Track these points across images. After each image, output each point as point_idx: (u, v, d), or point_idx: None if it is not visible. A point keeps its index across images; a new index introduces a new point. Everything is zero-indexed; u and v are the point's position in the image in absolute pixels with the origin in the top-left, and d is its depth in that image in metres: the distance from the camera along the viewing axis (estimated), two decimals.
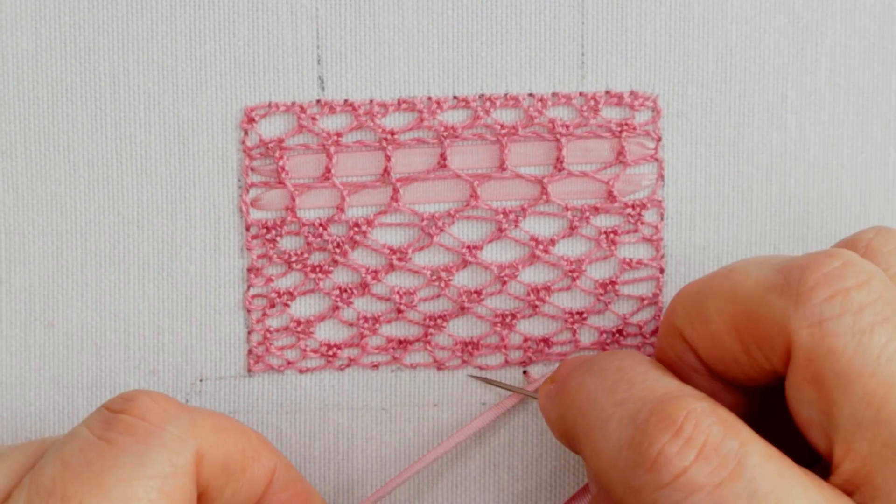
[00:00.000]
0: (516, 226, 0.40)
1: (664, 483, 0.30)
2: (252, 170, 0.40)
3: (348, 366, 0.41)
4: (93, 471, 0.31)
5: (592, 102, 0.40)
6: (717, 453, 0.30)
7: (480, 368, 0.41)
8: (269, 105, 0.40)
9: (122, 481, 0.31)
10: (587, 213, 0.40)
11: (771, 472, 0.30)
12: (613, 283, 0.40)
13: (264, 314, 0.40)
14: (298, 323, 0.40)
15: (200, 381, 0.40)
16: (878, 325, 0.30)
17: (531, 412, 0.41)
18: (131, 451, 0.32)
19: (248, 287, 0.40)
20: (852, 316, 0.30)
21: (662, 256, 0.41)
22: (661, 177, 0.40)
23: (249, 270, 0.40)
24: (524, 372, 0.41)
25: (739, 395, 0.35)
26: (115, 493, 0.31)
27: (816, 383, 0.30)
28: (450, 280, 0.40)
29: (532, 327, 0.41)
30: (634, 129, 0.40)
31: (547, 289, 0.40)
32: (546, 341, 0.41)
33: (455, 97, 0.40)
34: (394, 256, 0.40)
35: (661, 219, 0.40)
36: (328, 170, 0.40)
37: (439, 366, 0.41)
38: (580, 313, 0.41)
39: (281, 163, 0.40)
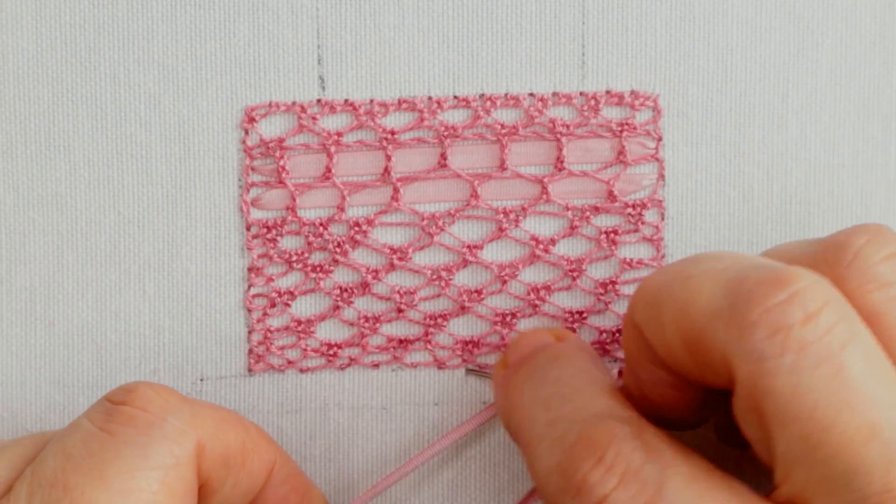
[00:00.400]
0: (517, 225, 0.40)
1: None
2: (252, 169, 0.40)
3: (349, 365, 0.41)
4: (94, 462, 0.31)
5: (593, 102, 0.40)
6: (637, 479, 0.31)
7: (481, 367, 0.41)
8: (270, 105, 0.40)
9: (123, 473, 0.31)
10: (587, 213, 0.40)
11: (691, 496, 0.30)
12: (614, 282, 0.40)
13: (265, 314, 0.40)
14: (299, 322, 0.40)
15: (201, 380, 0.40)
16: (822, 362, 0.29)
17: None
18: (133, 443, 0.32)
19: (249, 286, 0.40)
20: (794, 355, 0.29)
21: (663, 256, 0.41)
22: (661, 176, 0.40)
23: (250, 270, 0.40)
24: None
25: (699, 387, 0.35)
26: (117, 485, 0.31)
27: (757, 415, 0.30)
28: (450, 279, 0.40)
29: (532, 326, 0.41)
30: (635, 128, 0.40)
31: (547, 288, 0.40)
32: None
33: (455, 97, 0.40)
34: (394, 256, 0.40)
35: (662, 219, 0.40)
36: (329, 169, 0.40)
37: (440, 365, 0.41)
38: (580, 313, 0.41)
39: (281, 162, 0.40)
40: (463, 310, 0.40)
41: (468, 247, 0.40)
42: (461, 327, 0.41)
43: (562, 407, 0.34)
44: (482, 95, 0.40)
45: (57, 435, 0.33)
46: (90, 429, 0.32)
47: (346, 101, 0.40)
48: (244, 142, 0.40)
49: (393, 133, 0.40)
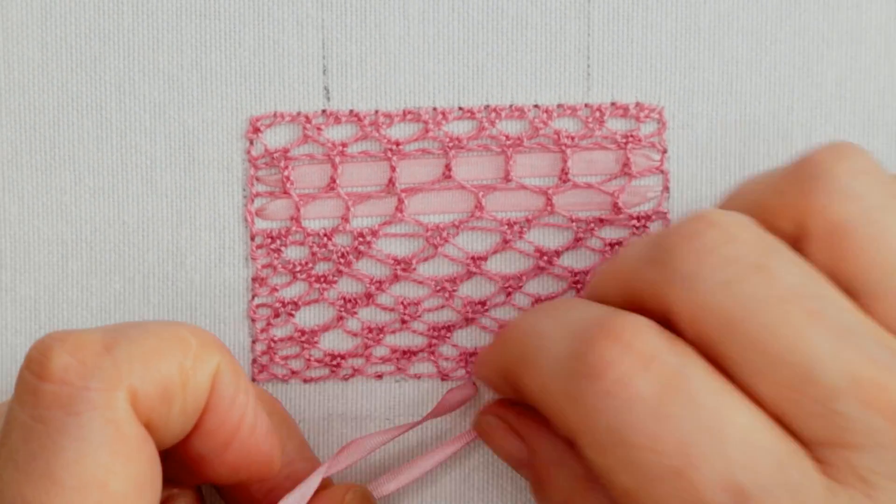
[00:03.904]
0: (521, 237, 0.40)
1: (606, 390, 0.30)
2: (257, 179, 0.40)
3: (353, 376, 0.41)
4: (40, 466, 0.30)
5: (598, 114, 0.40)
6: (661, 365, 0.30)
7: None
8: (275, 115, 0.40)
9: (71, 466, 0.30)
10: (592, 225, 0.40)
11: (713, 388, 0.30)
12: None
13: (269, 324, 0.40)
14: (303, 333, 0.40)
15: None
16: (752, 273, 0.30)
17: None
18: (67, 428, 0.30)
19: (253, 297, 0.40)
20: (722, 270, 0.30)
21: None
22: (666, 189, 0.40)
23: (254, 280, 0.40)
24: None
25: None
26: (71, 481, 0.30)
27: (702, 343, 0.31)
28: (455, 291, 0.40)
29: None
30: (640, 140, 0.40)
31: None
32: None
33: (460, 108, 0.40)
34: (398, 267, 0.40)
35: None
36: (333, 180, 0.40)
37: (444, 376, 0.41)
38: None
39: (286, 173, 0.40)
40: (467, 321, 0.40)
41: (473, 258, 0.40)
42: (466, 339, 0.41)
43: (574, 312, 0.33)
44: (487, 107, 0.40)
45: (3, 428, 0.32)
46: (25, 421, 0.31)
47: (350, 111, 0.40)
48: (249, 152, 0.40)
49: (398, 144, 0.40)
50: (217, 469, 0.34)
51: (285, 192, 0.40)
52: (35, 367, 0.31)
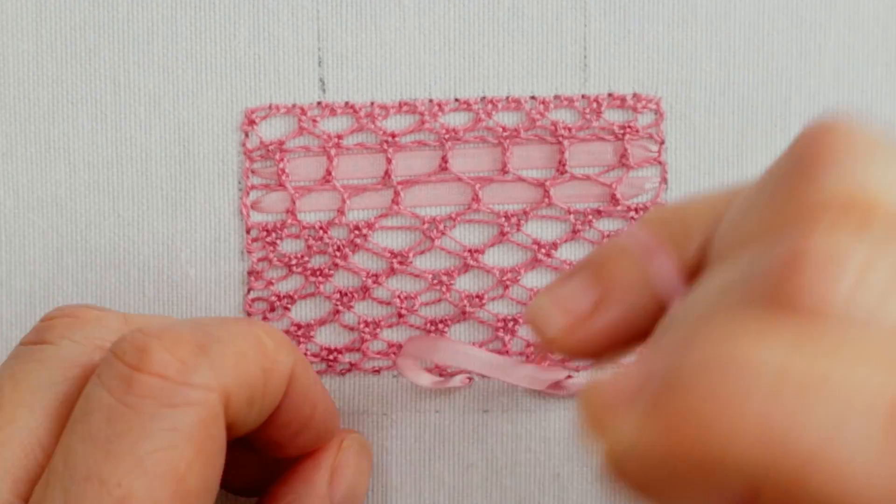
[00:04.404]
0: (518, 229, 0.40)
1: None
2: (252, 172, 0.40)
3: (349, 370, 0.40)
4: (125, 446, 0.30)
5: (595, 105, 0.40)
6: None
7: (482, 377, 0.40)
8: (270, 107, 0.39)
9: (156, 451, 0.30)
10: (590, 217, 0.40)
11: None
12: None
13: (265, 318, 0.40)
14: (299, 327, 0.40)
15: None
16: None
17: (536, 417, 0.41)
18: (158, 416, 0.30)
19: (249, 290, 0.40)
20: None
21: None
22: (664, 180, 0.40)
23: (250, 273, 0.40)
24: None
25: None
26: (156, 469, 0.29)
27: None
28: (451, 284, 0.40)
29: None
30: (637, 131, 0.40)
31: None
32: None
33: (456, 99, 0.40)
34: (395, 260, 0.40)
35: None
36: (329, 172, 0.40)
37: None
38: None
39: (281, 165, 0.39)
40: (464, 315, 0.40)
41: (469, 251, 0.40)
42: (462, 333, 0.40)
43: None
44: (483, 98, 0.40)
45: (77, 410, 0.31)
46: (111, 403, 0.30)
47: (346, 103, 0.39)
48: (244, 144, 0.39)
49: (394, 136, 0.40)
50: (288, 450, 0.36)
51: (281, 185, 0.40)
52: (131, 359, 0.31)
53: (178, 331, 0.32)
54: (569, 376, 0.40)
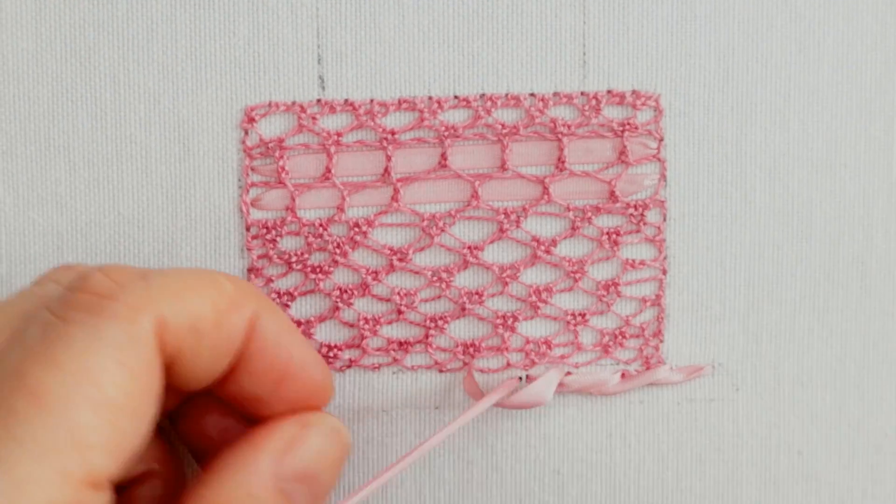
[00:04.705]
0: (517, 226, 0.40)
1: None
2: (252, 169, 0.40)
3: (349, 367, 0.40)
4: (49, 350, 0.31)
5: (594, 102, 0.40)
6: None
7: (482, 371, 0.41)
8: (270, 104, 0.39)
9: (76, 356, 0.30)
10: (589, 214, 0.40)
11: None
12: (615, 283, 0.40)
13: None
14: (298, 324, 0.40)
15: None
16: None
17: (535, 413, 0.41)
18: (85, 325, 0.31)
19: None
20: None
21: (665, 257, 0.40)
22: (663, 177, 0.40)
23: (250, 271, 0.40)
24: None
25: None
26: (70, 367, 0.30)
27: None
28: (450, 281, 0.40)
29: (533, 329, 0.40)
30: (636, 128, 0.40)
31: (548, 290, 0.40)
32: (547, 343, 0.40)
33: (456, 97, 0.40)
34: (394, 257, 0.40)
35: (664, 219, 0.40)
36: (328, 170, 0.40)
37: (440, 368, 0.40)
38: (582, 314, 0.40)
39: (281, 162, 0.39)
40: (463, 311, 0.40)
41: (469, 248, 0.40)
42: (461, 329, 0.40)
43: None
44: (483, 95, 0.40)
45: (20, 327, 0.33)
46: (48, 318, 0.32)
47: (346, 100, 0.40)
48: (244, 142, 0.40)
49: (393, 133, 0.40)
50: (275, 405, 0.35)
51: (280, 182, 0.40)
52: (74, 283, 0.32)
53: (125, 265, 0.33)
54: (568, 373, 0.40)
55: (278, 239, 0.40)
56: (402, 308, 0.40)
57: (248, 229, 0.40)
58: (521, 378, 0.40)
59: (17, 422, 0.29)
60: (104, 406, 0.30)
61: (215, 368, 0.34)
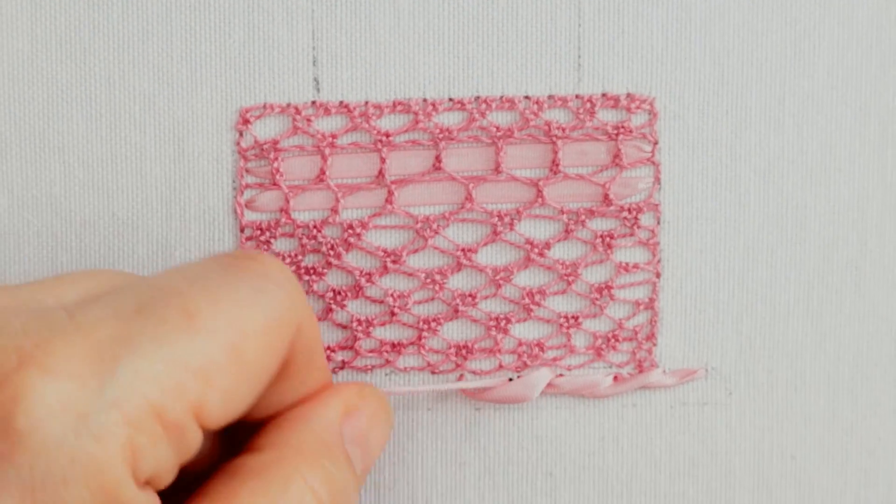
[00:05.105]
0: (511, 229, 0.40)
1: None
2: (247, 171, 0.40)
3: (341, 368, 0.40)
4: (212, 284, 0.31)
5: (589, 105, 0.40)
6: None
7: (474, 374, 0.41)
8: (264, 106, 0.39)
9: (237, 303, 0.30)
10: (583, 217, 0.40)
11: None
12: (609, 286, 0.40)
13: None
14: None
15: None
16: None
17: (527, 416, 0.41)
18: (251, 283, 0.31)
19: None
20: None
21: (659, 260, 0.40)
22: (657, 180, 0.40)
23: None
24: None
25: None
26: (229, 310, 0.30)
27: None
28: (444, 283, 0.40)
29: (526, 331, 0.40)
30: (631, 131, 0.40)
31: (542, 292, 0.40)
32: (540, 345, 0.40)
33: (450, 99, 0.40)
34: (388, 259, 0.40)
35: (658, 222, 0.40)
36: (323, 171, 0.40)
37: (433, 370, 0.40)
38: (575, 317, 0.40)
39: (276, 164, 0.40)
40: (456, 313, 0.40)
41: (462, 250, 0.40)
42: (454, 331, 0.40)
43: None
44: (477, 98, 0.40)
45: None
46: (214, 259, 0.32)
47: (340, 102, 0.40)
48: (238, 143, 0.40)
49: (387, 135, 0.40)
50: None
51: (275, 184, 0.40)
52: (242, 253, 0.33)
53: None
54: (559, 375, 0.40)
55: (272, 240, 0.40)
56: (396, 310, 0.40)
57: (242, 231, 0.40)
58: (510, 379, 0.40)
59: (163, 330, 0.29)
60: (240, 357, 0.30)
61: (287, 402, 0.34)
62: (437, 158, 0.40)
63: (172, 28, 0.39)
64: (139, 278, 0.32)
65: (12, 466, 0.27)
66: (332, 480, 0.33)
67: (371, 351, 0.40)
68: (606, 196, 0.40)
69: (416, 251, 0.40)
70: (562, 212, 0.40)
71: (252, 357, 0.31)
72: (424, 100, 0.40)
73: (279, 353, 0.32)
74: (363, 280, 0.40)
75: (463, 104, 0.40)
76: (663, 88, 0.40)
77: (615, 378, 0.41)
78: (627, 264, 0.40)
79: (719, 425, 0.41)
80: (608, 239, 0.40)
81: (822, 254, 0.40)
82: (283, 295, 0.32)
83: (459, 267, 0.40)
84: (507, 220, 0.40)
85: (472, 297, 0.40)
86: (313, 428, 0.34)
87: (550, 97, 0.40)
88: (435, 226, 0.40)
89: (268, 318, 0.31)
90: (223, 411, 0.30)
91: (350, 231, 0.40)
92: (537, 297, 0.40)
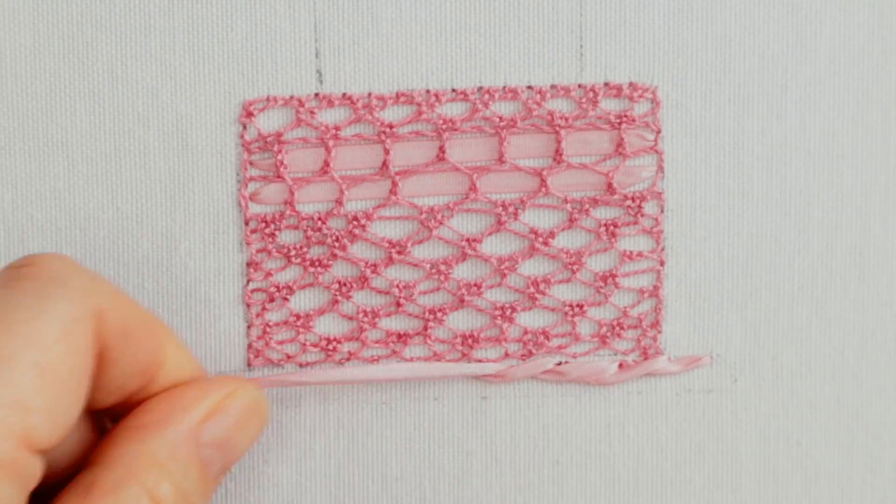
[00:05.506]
0: (515, 218, 0.40)
1: None
2: (251, 164, 0.40)
3: (348, 359, 0.41)
4: None
5: (591, 94, 0.40)
6: None
7: (480, 362, 0.41)
8: (268, 99, 0.39)
9: (25, 321, 0.31)
10: (587, 206, 0.40)
11: None
12: (613, 275, 0.40)
13: (264, 308, 0.40)
14: (298, 317, 0.40)
15: None
16: None
17: (535, 404, 0.41)
18: (33, 294, 0.32)
19: (248, 281, 0.40)
20: None
21: (662, 248, 0.40)
22: (660, 168, 0.40)
23: (248, 265, 0.40)
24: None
25: None
26: (18, 330, 0.30)
27: None
28: (449, 273, 0.40)
29: (531, 320, 0.41)
30: (634, 120, 0.40)
31: (546, 281, 0.40)
32: (545, 333, 0.40)
33: (453, 90, 0.40)
34: (393, 250, 0.40)
35: (661, 210, 0.40)
36: (327, 163, 0.40)
37: (439, 360, 0.41)
38: (580, 305, 0.40)
39: (279, 157, 0.40)
40: (462, 303, 0.40)
41: (467, 240, 0.40)
42: (460, 321, 0.41)
43: None
44: (480, 88, 0.40)
45: None
46: None
47: (343, 94, 0.40)
48: (242, 136, 0.40)
49: (391, 126, 0.40)
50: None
51: (279, 177, 0.40)
52: (20, 261, 0.33)
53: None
54: (560, 363, 0.41)
55: (277, 233, 0.40)
56: (401, 300, 0.40)
57: (246, 223, 0.40)
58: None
59: None
60: (48, 372, 0.30)
61: (130, 384, 0.35)
62: (441, 149, 0.40)
63: (175, 21, 0.39)
64: None
65: None
66: (176, 484, 0.34)
67: (377, 342, 0.40)
68: (610, 185, 0.40)
69: (420, 242, 0.40)
70: (565, 201, 0.40)
71: (61, 367, 0.31)
72: (427, 91, 0.40)
73: (87, 349, 0.32)
74: (368, 271, 0.40)
75: (466, 95, 0.40)
76: (666, 77, 0.40)
77: (620, 365, 0.41)
78: (631, 252, 0.40)
79: (725, 412, 0.41)
80: (612, 227, 0.40)
81: (826, 240, 0.41)
82: (69, 292, 0.32)
83: (464, 257, 0.40)
84: (511, 209, 0.40)
85: (478, 286, 0.40)
86: (165, 442, 0.34)
87: (553, 87, 0.40)
88: (439, 216, 0.40)
89: (62, 321, 0.31)
90: (53, 429, 0.31)
91: (355, 223, 0.40)
92: (542, 286, 0.40)
